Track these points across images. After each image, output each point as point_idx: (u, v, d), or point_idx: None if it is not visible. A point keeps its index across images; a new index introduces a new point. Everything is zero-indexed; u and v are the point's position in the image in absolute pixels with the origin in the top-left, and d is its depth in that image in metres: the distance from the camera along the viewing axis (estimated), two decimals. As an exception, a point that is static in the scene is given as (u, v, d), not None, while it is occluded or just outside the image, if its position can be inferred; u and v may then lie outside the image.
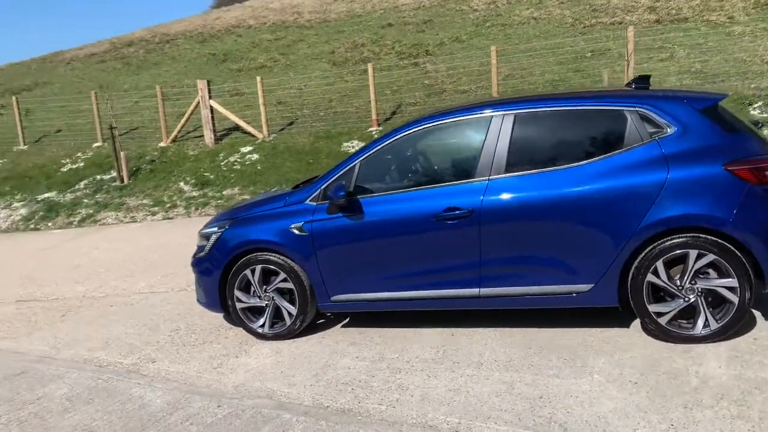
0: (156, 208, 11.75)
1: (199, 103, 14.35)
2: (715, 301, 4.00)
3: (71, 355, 5.19)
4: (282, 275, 4.79)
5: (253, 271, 4.86)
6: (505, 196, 4.24)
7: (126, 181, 13.18)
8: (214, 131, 14.40)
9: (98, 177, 13.78)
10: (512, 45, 17.18)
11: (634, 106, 4.13)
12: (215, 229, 5.08)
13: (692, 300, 3.99)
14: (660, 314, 4.06)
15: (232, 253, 4.89)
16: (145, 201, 12.20)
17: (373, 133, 13.16)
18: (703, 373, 3.67)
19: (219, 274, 4.95)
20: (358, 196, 4.60)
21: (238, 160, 13.17)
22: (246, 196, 11.28)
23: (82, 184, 13.61)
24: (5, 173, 15.19)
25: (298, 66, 20.28)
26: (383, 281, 4.59)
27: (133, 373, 4.66)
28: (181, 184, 12.65)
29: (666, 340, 4.09)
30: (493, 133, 4.37)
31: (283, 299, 4.86)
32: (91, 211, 12.17)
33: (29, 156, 16.16)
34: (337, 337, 4.88)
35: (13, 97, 17.88)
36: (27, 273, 8.42)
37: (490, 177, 4.31)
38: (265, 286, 4.87)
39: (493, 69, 13.18)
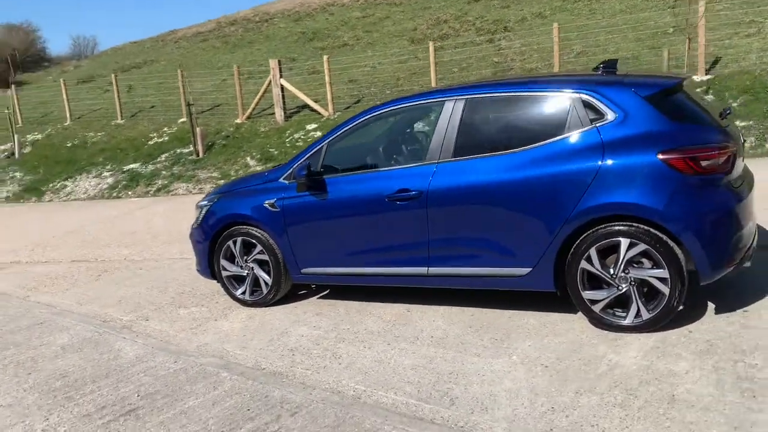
0: (222, 181, 12.53)
1: (271, 81, 15.01)
2: (649, 291, 3.95)
3: (87, 310, 5.86)
4: (259, 247, 5.17)
5: (235, 242, 5.27)
6: (451, 179, 4.36)
7: (201, 155, 14.10)
8: (284, 109, 15.03)
9: (178, 150, 14.82)
10: (595, 20, 16.59)
11: (578, 92, 4.11)
12: (206, 202, 5.53)
13: (625, 289, 3.97)
14: (594, 301, 4.07)
15: (218, 224, 5.33)
16: (214, 174, 13.04)
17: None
18: (616, 361, 3.69)
19: (208, 244, 5.41)
20: (324, 176, 4.87)
21: (302, 137, 13.73)
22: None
23: (163, 157, 14.71)
24: (102, 145, 16.64)
25: (378, 44, 20.57)
26: (344, 257, 4.86)
27: (126, 329, 5.23)
28: (248, 159, 13.38)
29: (602, 328, 4.10)
30: (444, 118, 4.49)
31: (261, 270, 5.24)
32: (166, 182, 13.18)
33: (124, 130, 17.57)
34: (309, 307, 5.21)
35: (112, 75, 19.36)
36: (90, 237, 9.36)
37: (439, 160, 4.44)
38: (245, 257, 5.27)
39: (555, 47, 12.86)
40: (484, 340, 4.18)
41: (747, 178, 4.27)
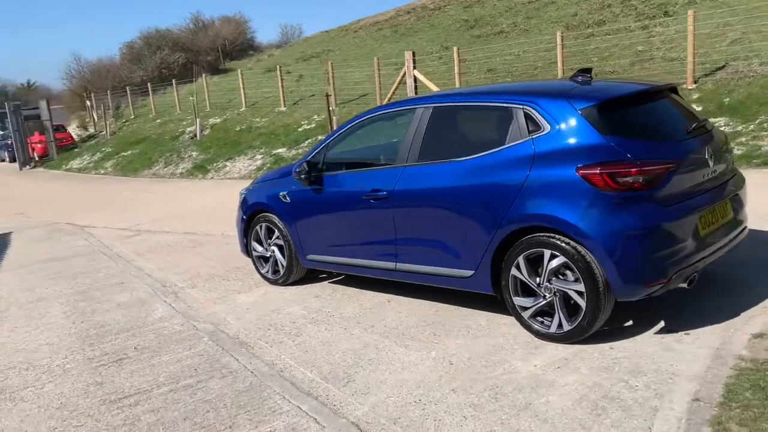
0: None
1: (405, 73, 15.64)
2: (574, 304, 3.99)
3: (160, 275, 7.00)
4: (276, 233, 5.87)
5: (261, 227, 6.03)
6: (412, 182, 4.69)
7: (336, 141, 15.19)
8: (418, 99, 15.58)
9: (320, 137, 16.08)
10: (770, 2, 14.90)
11: (521, 104, 4.20)
12: (245, 190, 6.34)
13: (549, 299, 4.05)
14: (524, 308, 4.19)
15: (249, 210, 6.12)
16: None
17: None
18: (515, 367, 3.83)
19: (243, 227, 6.23)
20: (324, 173, 5.41)
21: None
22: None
23: (305, 143, 16.07)
24: (262, 130, 18.52)
25: (533, 31, 20.23)
26: (335, 247, 5.39)
27: (172, 293, 6.24)
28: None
29: (532, 334, 4.21)
30: (414, 124, 4.80)
31: (280, 253, 5.94)
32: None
33: (283, 117, 19.33)
34: (314, 290, 5.81)
35: (277, 67, 21.26)
36: (214, 213, 10.77)
37: (406, 164, 4.78)
38: (269, 240, 6.01)
39: (689, 36, 11.89)
40: (425, 335, 4.49)
41: (710, 193, 4.06)
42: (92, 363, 4.62)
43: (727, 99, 10.81)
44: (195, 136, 20.41)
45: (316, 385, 3.89)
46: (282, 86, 20.27)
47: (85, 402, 3.98)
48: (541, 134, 4.07)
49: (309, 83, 22.51)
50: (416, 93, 15.51)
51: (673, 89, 4.61)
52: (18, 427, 3.74)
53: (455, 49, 15.22)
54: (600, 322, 3.92)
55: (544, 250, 3.99)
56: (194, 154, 18.81)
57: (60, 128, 30.39)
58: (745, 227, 4.56)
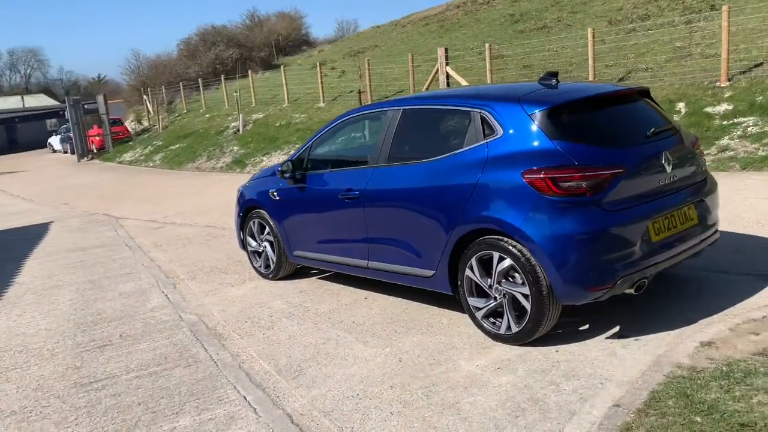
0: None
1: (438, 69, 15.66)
2: (519, 305, 4.03)
3: (167, 267, 7.33)
4: (267, 229, 6.08)
5: (254, 223, 6.25)
6: (381, 183, 4.80)
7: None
8: (450, 95, 15.58)
9: (352, 133, 16.29)
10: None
11: (478, 108, 4.26)
12: (241, 186, 6.58)
13: (499, 300, 4.11)
14: (477, 308, 4.26)
15: (243, 206, 6.35)
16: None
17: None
18: (458, 366, 3.91)
19: (239, 222, 6.47)
20: (308, 172, 5.58)
21: (455, 123, 14.20)
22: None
23: (339, 138, 16.29)
24: (300, 126, 18.86)
25: (576, 26, 19.86)
26: (317, 244, 5.55)
27: (172, 285, 6.54)
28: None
29: (485, 334, 4.28)
30: (385, 126, 4.91)
31: (270, 249, 6.15)
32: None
33: (320, 113, 19.62)
34: (302, 285, 6.00)
35: (317, 63, 21.54)
36: (226, 209, 11.09)
37: (377, 165, 4.90)
38: (261, 236, 6.23)
39: (723, 32, 11.49)
40: (387, 332, 4.61)
41: (667, 199, 4.03)
42: (78, 348, 4.93)
43: (760, 98, 10.42)
44: (238, 131, 20.95)
45: (268, 377, 4.06)
46: (321, 82, 20.56)
47: (59, 384, 4.28)
48: (494, 138, 4.12)
49: (351, 79, 22.71)
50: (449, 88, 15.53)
51: (643, 93, 4.56)
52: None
53: (487, 45, 15.16)
54: (545, 324, 3.95)
55: (494, 252, 4.04)
56: (235, 148, 19.33)
57: (117, 122, 31.65)
58: (715, 232, 4.49)
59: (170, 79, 37.67)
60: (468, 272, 4.23)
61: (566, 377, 3.60)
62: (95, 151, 29.66)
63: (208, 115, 26.40)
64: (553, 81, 4.49)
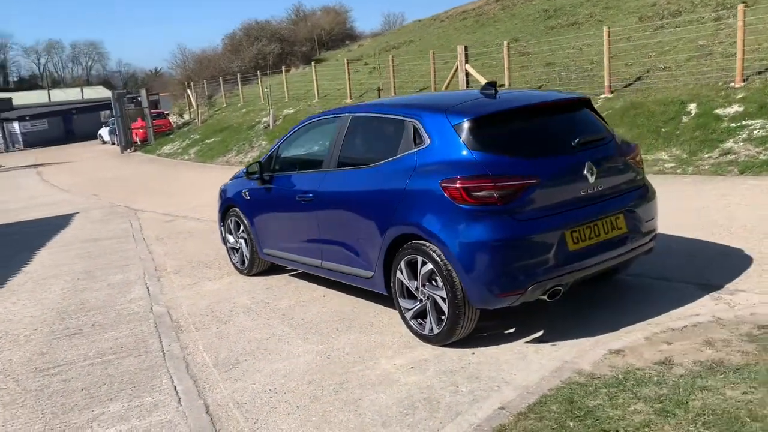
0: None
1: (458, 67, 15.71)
2: (440, 308, 4.19)
3: (161, 260, 7.71)
4: (242, 227, 6.37)
5: (231, 221, 6.55)
6: (330, 186, 5.02)
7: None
8: (469, 93, 15.62)
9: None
10: None
11: (411, 118, 4.43)
12: (223, 184, 6.88)
13: (424, 303, 4.28)
14: (407, 309, 4.44)
15: (223, 204, 6.66)
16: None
17: (602, 100, 12.68)
18: (375, 364, 4.10)
19: (220, 218, 6.78)
20: (274, 174, 5.83)
21: (471, 122, 14.24)
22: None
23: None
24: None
25: (607, 22, 19.54)
26: (281, 243, 5.81)
27: (158, 277, 6.90)
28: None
29: (414, 334, 4.45)
30: (338, 132, 5.12)
31: (245, 246, 6.44)
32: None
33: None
34: (272, 281, 6.26)
35: (345, 59, 21.77)
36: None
37: (328, 169, 5.11)
38: (237, 233, 6.52)
39: (739, 32, 11.22)
40: (329, 329, 4.82)
41: (590, 208, 4.12)
42: (51, 335, 5.32)
43: (772, 99, 10.16)
44: (268, 126, 21.42)
45: (204, 369, 4.34)
46: (349, 78, 20.82)
47: (21, 369, 4.66)
48: (422, 147, 4.29)
49: (382, 75, 22.91)
50: (467, 87, 15.57)
51: (581, 102, 4.64)
52: (-40, 385, 4.46)
53: (505, 43, 15.12)
54: (463, 327, 4.10)
55: (417, 256, 4.21)
56: (263, 143, 19.79)
57: (161, 115, 32.67)
58: (649, 241, 4.53)
59: (213, 73, 38.61)
60: (399, 274, 4.41)
61: (469, 379, 3.75)
62: (138, 143, 30.71)
63: (244, 110, 27.03)
64: (492, 91, 4.61)
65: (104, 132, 41.50)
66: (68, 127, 57.00)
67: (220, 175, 16.87)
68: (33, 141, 52.06)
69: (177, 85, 39.60)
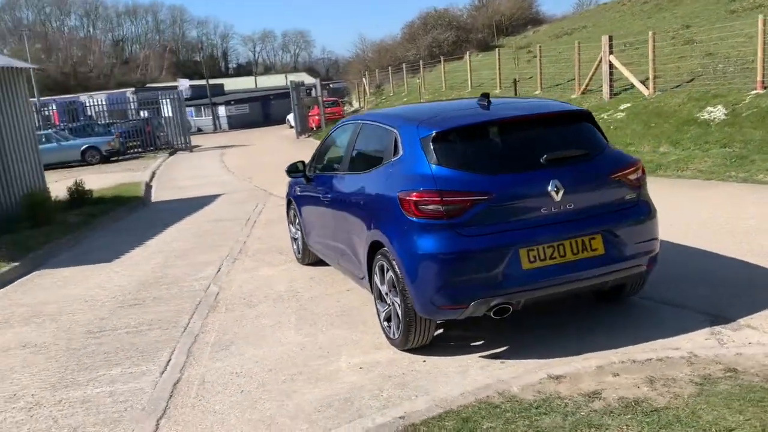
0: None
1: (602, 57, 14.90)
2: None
3: (250, 243, 8.52)
4: (297, 219, 6.90)
5: (291, 213, 7.12)
6: (340, 188, 5.34)
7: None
8: (611, 86, 14.78)
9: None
10: None
11: (394, 128, 4.58)
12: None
13: (390, 307, 4.46)
14: (380, 312, 4.65)
15: (287, 197, 7.24)
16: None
17: (751, 97, 11.38)
18: (335, 361, 4.38)
19: (286, 210, 7.38)
20: (314, 173, 6.25)
21: (605, 117, 13.52)
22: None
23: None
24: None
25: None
26: (315, 238, 6.24)
27: (232, 260, 7.67)
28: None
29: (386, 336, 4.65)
30: (351, 137, 5.41)
31: (300, 237, 6.96)
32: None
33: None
34: (316, 272, 6.69)
35: (497, 50, 21.39)
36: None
37: (340, 172, 5.44)
38: (295, 225, 7.06)
39: (759, 38, 9.40)
40: (326, 323, 5.16)
41: (554, 227, 4.01)
42: (119, 304, 6.26)
43: None
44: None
45: (203, 348, 4.91)
46: (499, 68, 20.56)
47: (79, 329, 5.60)
48: (397, 157, 4.44)
49: (545, 63, 22.26)
50: (611, 80, 14.75)
51: (569, 115, 4.47)
52: (36, 337, 5.48)
53: (650, 34, 14.00)
54: (416, 335, 4.22)
55: (384, 262, 4.39)
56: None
57: (334, 103, 34.63)
58: (639, 265, 4.25)
59: (389, 62, 39.99)
60: (375, 278, 4.62)
61: (398, 385, 3.89)
62: (314, 129, 32.88)
63: (405, 99, 27.79)
64: (485, 102, 4.60)
65: (290, 117, 44.84)
66: (266, 111, 62.19)
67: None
68: (235, 124, 57.64)
69: (355, 74, 41.60)
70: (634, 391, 3.50)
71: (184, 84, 60.38)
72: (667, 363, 3.81)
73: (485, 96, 4.64)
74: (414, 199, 4.01)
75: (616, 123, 12.99)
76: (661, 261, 4.53)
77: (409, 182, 4.14)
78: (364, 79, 36.49)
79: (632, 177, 4.31)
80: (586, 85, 15.86)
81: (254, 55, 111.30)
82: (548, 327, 4.54)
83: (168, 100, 30.95)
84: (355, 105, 34.89)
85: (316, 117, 33.02)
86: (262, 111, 62.30)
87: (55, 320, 5.94)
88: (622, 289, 4.71)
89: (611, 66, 14.72)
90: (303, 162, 6.33)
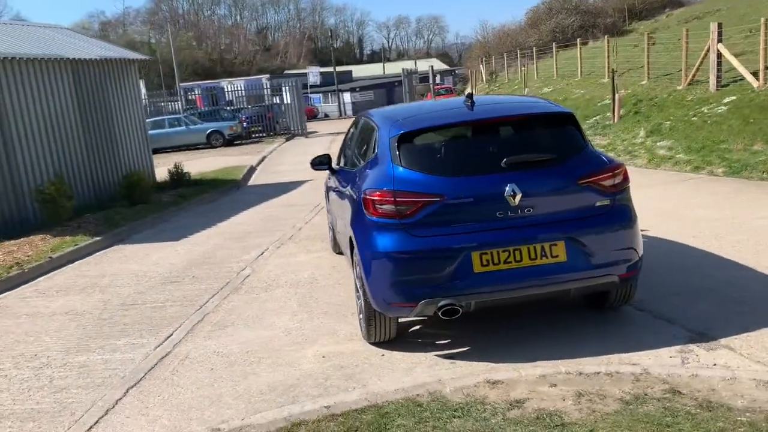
0: (603, 149, 13.08)
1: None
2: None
3: (304, 228, 8.92)
4: (328, 208, 7.17)
5: (326, 202, 7.40)
6: (344, 182, 5.49)
7: (616, 120, 14.60)
8: (719, 77, 13.68)
9: (608, 114, 15.53)
10: None
11: (377, 128, 4.68)
12: (330, 170, 7.69)
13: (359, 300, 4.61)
14: (357, 305, 4.81)
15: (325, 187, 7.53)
16: (602, 141, 13.59)
17: None
18: (300, 349, 4.60)
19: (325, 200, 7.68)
20: (339, 165, 6.47)
21: (704, 111, 12.58)
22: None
23: (592, 120, 15.72)
24: (569, 103, 18.45)
25: None
26: (334, 227, 6.47)
27: (279, 244, 8.09)
28: (641, 130, 13.28)
29: (363, 330, 4.80)
30: (356, 132, 5.57)
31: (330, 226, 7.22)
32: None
33: (599, 89, 18.76)
34: (343, 260, 6.93)
35: (605, 37, 20.29)
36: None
37: (347, 167, 5.62)
38: (328, 214, 7.33)
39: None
40: (318, 311, 5.38)
41: (509, 231, 3.98)
42: (161, 281, 6.86)
43: None
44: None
45: (204, 326, 5.31)
46: (608, 55, 19.58)
47: (117, 301, 6.22)
48: (374, 156, 4.56)
49: (661, 50, 20.95)
50: (718, 71, 13.67)
51: (539, 118, 4.38)
52: (80, 305, 6.18)
53: (762, 20, 12.76)
54: (376, 329, 4.35)
55: (355, 258, 4.54)
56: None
57: (447, 90, 34.57)
58: (605, 275, 4.09)
59: (510, 48, 39.16)
60: (353, 272, 4.78)
61: (343, 377, 4.05)
62: (426, 116, 33.11)
63: (516, 87, 27.20)
64: (468, 102, 4.59)
65: (406, 104, 45.28)
66: (390, 97, 63.09)
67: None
68: (360, 110, 59.07)
69: (472, 61, 41.18)
70: (556, 404, 3.43)
71: (314, 71, 62.64)
72: (613, 378, 3.67)
73: (469, 96, 4.62)
74: (372, 198, 4.12)
75: (714, 118, 12.04)
76: (683, 270, 4.33)
77: (374, 181, 4.26)
78: (481, 65, 36.05)
79: (606, 183, 4.14)
80: (693, 76, 14.76)
81: (388, 42, 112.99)
82: (518, 331, 4.48)
83: (288, 87, 32.34)
84: (467, 91, 34.54)
85: (429, 104, 33.19)
86: (387, 97, 63.25)
87: (102, 291, 6.63)
88: (606, 299, 4.53)
89: (719, 55, 13.61)
90: (328, 155, 6.56)
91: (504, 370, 3.91)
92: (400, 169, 4.17)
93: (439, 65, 75.90)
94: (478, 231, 3.98)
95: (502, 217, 3.99)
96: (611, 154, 12.65)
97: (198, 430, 3.56)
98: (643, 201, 8.12)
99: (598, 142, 13.73)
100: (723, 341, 4.02)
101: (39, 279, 7.40)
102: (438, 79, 67.07)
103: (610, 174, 4.17)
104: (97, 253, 8.57)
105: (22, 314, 6.09)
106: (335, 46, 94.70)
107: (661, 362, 3.83)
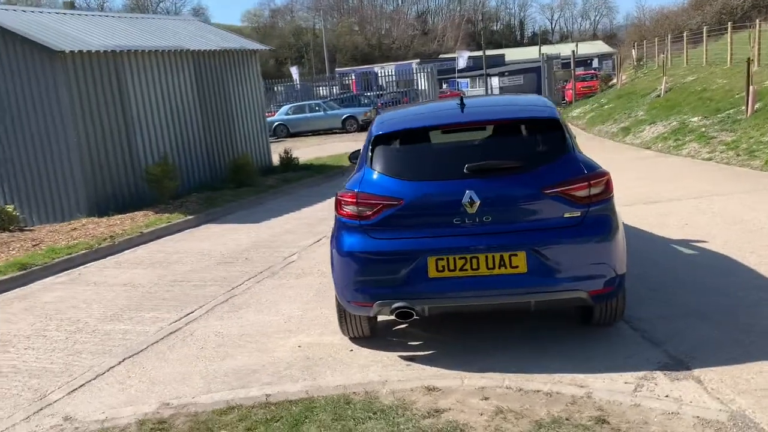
0: (725, 148, 11.99)
1: None
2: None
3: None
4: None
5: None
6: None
7: (748, 115, 13.23)
8: None
9: (741, 108, 14.08)
10: None
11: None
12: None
13: (342, 296, 4.75)
14: (346, 303, 4.95)
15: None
16: (731, 138, 12.41)
17: None
18: (283, 337, 4.84)
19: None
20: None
21: None
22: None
23: (724, 114, 14.34)
24: (707, 93, 16.86)
25: None
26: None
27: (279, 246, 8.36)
28: (772, 126, 11.94)
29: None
30: (375, 130, 5.66)
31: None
32: (687, 139, 13.38)
33: (742, 79, 16.95)
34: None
35: (756, 21, 18.15)
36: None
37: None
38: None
39: None
40: (325, 302, 5.56)
41: (467, 239, 3.92)
42: (219, 260, 7.41)
43: None
44: (659, 95, 19.94)
45: (222, 307, 5.70)
46: (759, 42, 17.61)
47: (170, 277, 6.84)
48: (362, 156, 4.65)
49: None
50: None
51: (517, 123, 4.21)
52: (140, 278, 6.88)
53: None
54: (347, 325, 4.47)
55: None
56: (640, 113, 18.65)
57: (592, 77, 32.87)
58: (571, 290, 3.89)
59: (669, 31, 36.32)
60: (341, 267, 4.92)
61: (304, 368, 4.23)
62: (566, 103, 31.80)
63: (660, 74, 25.27)
64: (460, 104, 4.53)
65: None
66: (540, 82, 61.16)
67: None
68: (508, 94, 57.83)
69: (627, 46, 38.75)
70: (471, 418, 3.38)
71: (463, 55, 62.29)
72: (550, 398, 3.53)
73: (461, 99, 4.54)
74: (341, 198, 4.23)
75: None
76: (712, 290, 4.05)
77: (349, 182, 4.36)
78: (633, 50, 33.86)
79: (578, 193, 3.92)
80: None
81: (551, 24, 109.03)
82: (495, 340, 4.37)
83: (424, 73, 32.53)
84: (613, 81, 32.60)
85: (569, 91, 31.82)
86: (537, 82, 61.30)
87: (165, 267, 7.31)
88: (591, 316, 4.30)
89: None
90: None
91: (450, 378, 3.88)
92: (371, 171, 4.23)
93: (603, 48, 72.09)
94: (435, 236, 3.96)
95: (459, 223, 3.93)
96: (731, 153, 11.54)
97: (150, 403, 3.93)
98: (731, 207, 7.42)
99: (722, 138, 12.56)
100: (696, 372, 3.68)
101: (125, 252, 8.28)
102: (596, 63, 63.67)
103: (585, 184, 3.93)
104: (184, 231, 9.37)
105: (91, 282, 6.90)
106: (495, 28, 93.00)
107: (611, 387, 3.60)
